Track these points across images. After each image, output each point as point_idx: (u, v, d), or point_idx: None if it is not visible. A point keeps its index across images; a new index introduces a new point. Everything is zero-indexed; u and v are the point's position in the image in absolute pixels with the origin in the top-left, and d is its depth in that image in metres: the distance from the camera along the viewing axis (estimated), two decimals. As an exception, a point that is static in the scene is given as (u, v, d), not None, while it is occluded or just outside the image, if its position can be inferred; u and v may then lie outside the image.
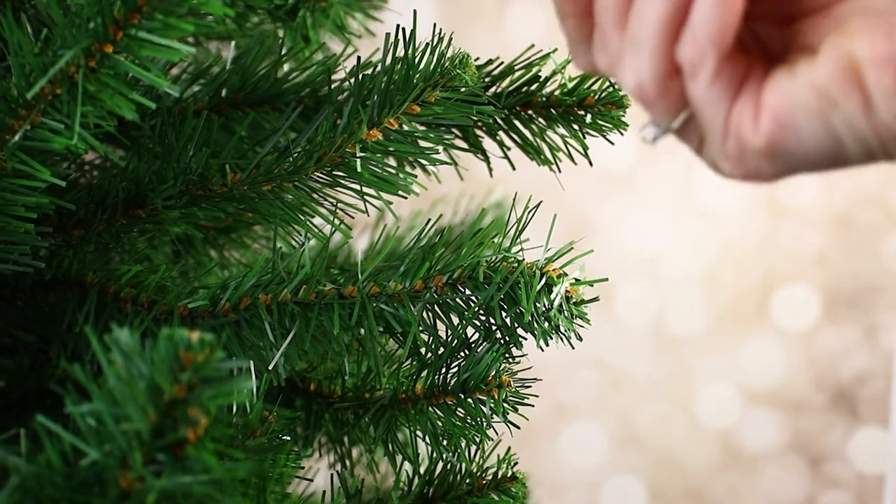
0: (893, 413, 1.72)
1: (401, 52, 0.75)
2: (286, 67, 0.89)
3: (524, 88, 0.80)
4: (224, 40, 0.96)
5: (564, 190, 0.84)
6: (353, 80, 0.78)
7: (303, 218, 0.80)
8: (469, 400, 0.78)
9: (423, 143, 0.78)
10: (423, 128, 0.77)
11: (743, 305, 1.81)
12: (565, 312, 0.74)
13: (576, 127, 0.80)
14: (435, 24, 0.75)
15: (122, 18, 0.63)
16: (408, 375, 0.81)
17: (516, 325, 0.76)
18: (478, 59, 0.77)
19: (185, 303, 0.76)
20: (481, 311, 0.76)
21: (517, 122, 0.82)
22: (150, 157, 0.80)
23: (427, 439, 0.79)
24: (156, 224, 0.81)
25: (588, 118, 0.79)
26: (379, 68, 0.76)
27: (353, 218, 0.79)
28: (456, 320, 0.77)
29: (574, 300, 0.75)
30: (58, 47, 0.65)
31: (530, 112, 0.81)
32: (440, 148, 0.79)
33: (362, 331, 0.76)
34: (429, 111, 0.75)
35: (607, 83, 0.79)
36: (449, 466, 0.78)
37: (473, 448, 0.78)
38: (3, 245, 0.72)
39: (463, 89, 0.75)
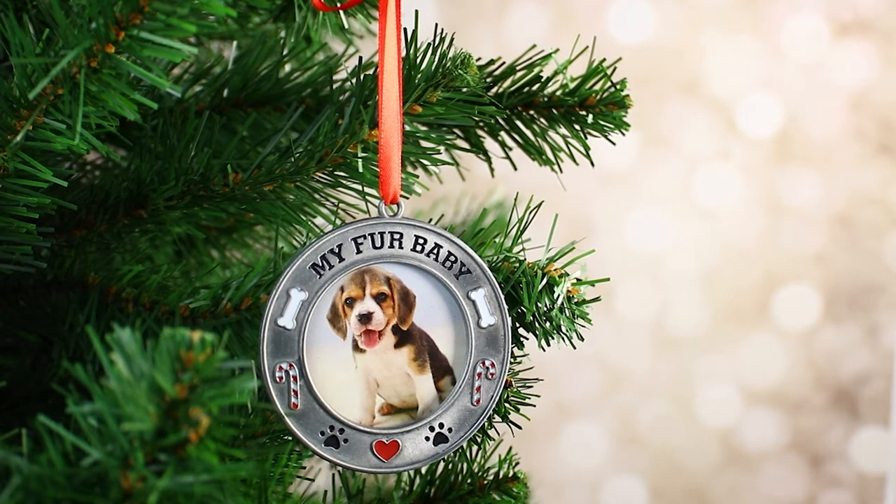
0: (894, 413, 1.72)
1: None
2: (288, 68, 0.89)
3: (526, 89, 0.80)
4: (226, 40, 0.96)
5: (566, 190, 0.84)
6: (354, 81, 0.78)
7: (304, 218, 0.80)
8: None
9: (424, 144, 0.78)
10: (424, 128, 0.77)
11: (743, 305, 1.81)
12: (567, 312, 0.74)
13: (577, 127, 0.80)
14: (437, 25, 0.75)
15: (124, 19, 0.63)
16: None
17: (517, 324, 0.76)
18: (479, 59, 0.77)
19: (187, 303, 0.76)
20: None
21: (519, 123, 0.82)
22: (151, 157, 0.80)
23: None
24: (157, 224, 0.82)
25: (590, 118, 0.79)
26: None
27: (354, 218, 0.79)
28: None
29: (576, 300, 0.74)
30: (60, 47, 0.65)
31: (532, 112, 0.81)
32: (442, 148, 0.79)
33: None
34: (430, 111, 0.75)
35: (609, 84, 0.79)
36: (450, 466, 0.78)
37: (475, 448, 0.78)
38: (5, 245, 0.72)
39: (465, 89, 0.75)
